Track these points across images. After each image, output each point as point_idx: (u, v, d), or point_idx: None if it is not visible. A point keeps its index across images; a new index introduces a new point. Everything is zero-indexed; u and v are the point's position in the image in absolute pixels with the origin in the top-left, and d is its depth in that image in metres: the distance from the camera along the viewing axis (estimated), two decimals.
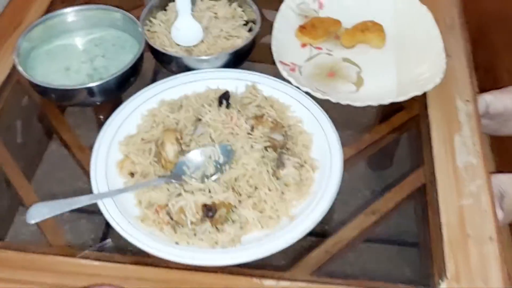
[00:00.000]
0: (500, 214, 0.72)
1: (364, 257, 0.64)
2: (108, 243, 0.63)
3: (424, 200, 0.69)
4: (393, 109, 0.79)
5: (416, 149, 0.76)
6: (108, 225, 0.62)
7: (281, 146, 0.69)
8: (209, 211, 0.61)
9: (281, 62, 0.79)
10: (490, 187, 0.70)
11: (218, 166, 0.66)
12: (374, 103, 0.75)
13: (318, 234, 0.64)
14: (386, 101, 0.76)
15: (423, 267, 0.64)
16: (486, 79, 0.98)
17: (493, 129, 0.88)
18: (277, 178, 0.66)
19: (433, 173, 0.71)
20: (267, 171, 0.65)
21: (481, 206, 0.68)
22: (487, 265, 0.62)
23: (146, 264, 0.60)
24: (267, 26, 0.83)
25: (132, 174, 0.66)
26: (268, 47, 0.80)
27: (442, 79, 0.78)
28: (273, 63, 0.79)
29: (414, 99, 0.77)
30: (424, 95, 0.79)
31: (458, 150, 0.73)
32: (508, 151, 0.94)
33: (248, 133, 0.68)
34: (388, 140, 0.77)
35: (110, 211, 0.61)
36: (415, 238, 0.68)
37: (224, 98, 0.72)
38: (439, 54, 0.80)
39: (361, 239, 0.65)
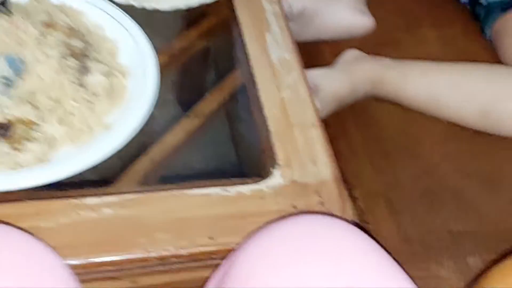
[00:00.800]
0: (318, 104, 0.74)
1: (195, 159, 0.60)
2: None
3: (246, 97, 0.67)
4: (201, 15, 0.76)
5: (230, 51, 0.74)
6: None
7: (82, 53, 0.59)
8: (2, 129, 0.50)
9: None
10: (305, 78, 0.70)
11: (8, 81, 0.54)
12: (182, 5, 0.70)
13: (141, 142, 0.58)
14: (194, 2, 0.71)
15: (255, 160, 0.62)
16: None
17: (297, 33, 0.89)
18: (84, 88, 0.57)
19: (250, 72, 0.69)
20: (70, 80, 0.56)
21: (299, 96, 0.67)
22: (313, 148, 0.62)
23: None
24: None
25: None
26: None
27: None
28: None
29: (220, 3, 0.74)
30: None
31: (271, 47, 0.72)
32: (312, 57, 0.97)
33: (39, 41, 0.58)
34: (201, 44, 0.73)
35: None
36: (243, 135, 0.66)
37: (1, 4, 0.60)
38: None
39: (187, 143, 0.60)
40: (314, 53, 0.97)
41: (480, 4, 0.96)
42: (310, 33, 0.90)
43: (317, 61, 0.95)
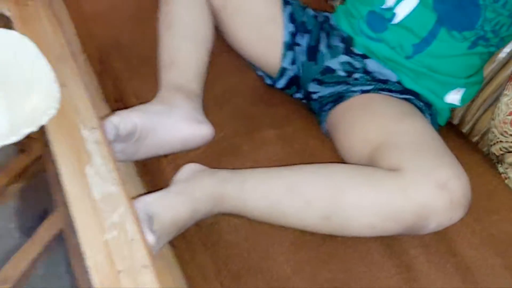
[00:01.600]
0: (151, 238, 0.67)
1: None
2: None
3: (63, 247, 0.59)
4: (9, 155, 0.67)
5: (45, 194, 0.66)
6: None
7: None
8: None
9: None
10: (134, 213, 0.64)
11: None
12: None
13: None
14: None
15: None
16: (118, 108, 0.94)
17: (132, 153, 0.84)
18: None
19: (69, 215, 0.61)
20: None
21: (127, 236, 0.61)
22: None
23: None
24: None
25: None
26: None
27: (57, 109, 0.69)
28: None
29: (33, 139, 0.67)
30: (44, 133, 0.69)
31: (93, 182, 0.66)
32: (153, 174, 0.92)
33: None
34: (9, 189, 0.64)
35: None
36: None
37: None
38: (50, 84, 0.72)
39: None
40: (155, 169, 0.91)
41: (313, 98, 0.97)
42: (145, 151, 0.85)
43: (158, 179, 0.90)
